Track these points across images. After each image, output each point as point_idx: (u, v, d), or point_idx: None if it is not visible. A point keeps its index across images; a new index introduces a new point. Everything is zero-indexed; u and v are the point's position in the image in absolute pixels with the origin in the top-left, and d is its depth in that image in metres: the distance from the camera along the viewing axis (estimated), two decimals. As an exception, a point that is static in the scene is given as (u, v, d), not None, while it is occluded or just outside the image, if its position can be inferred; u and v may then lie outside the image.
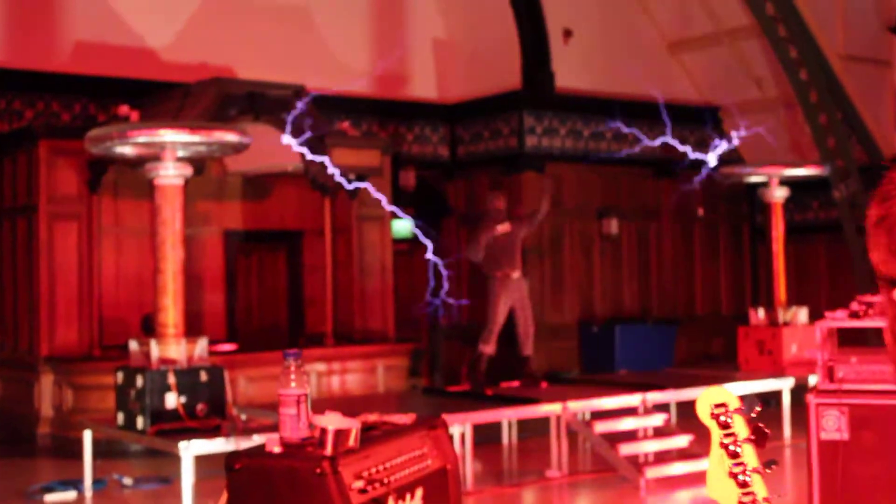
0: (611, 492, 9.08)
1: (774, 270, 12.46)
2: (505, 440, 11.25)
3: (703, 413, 1.97)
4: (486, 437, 10.81)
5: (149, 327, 11.12)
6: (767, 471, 1.94)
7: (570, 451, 9.71)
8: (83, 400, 11.33)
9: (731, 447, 1.94)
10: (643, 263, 16.14)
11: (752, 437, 1.94)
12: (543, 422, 9.96)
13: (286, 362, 3.01)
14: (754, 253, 17.24)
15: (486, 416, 9.40)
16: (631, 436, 9.99)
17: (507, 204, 11.03)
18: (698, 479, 9.26)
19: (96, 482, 9.07)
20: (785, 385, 11.17)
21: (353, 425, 2.89)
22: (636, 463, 9.35)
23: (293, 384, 2.95)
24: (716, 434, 1.96)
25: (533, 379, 10.84)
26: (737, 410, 1.94)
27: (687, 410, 11.65)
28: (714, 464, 1.96)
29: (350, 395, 12.16)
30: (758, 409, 2.09)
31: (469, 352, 14.43)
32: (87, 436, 8.79)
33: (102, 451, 9.57)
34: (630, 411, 10.05)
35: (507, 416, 10.27)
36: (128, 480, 9.44)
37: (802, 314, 12.24)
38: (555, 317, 14.98)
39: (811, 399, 3.97)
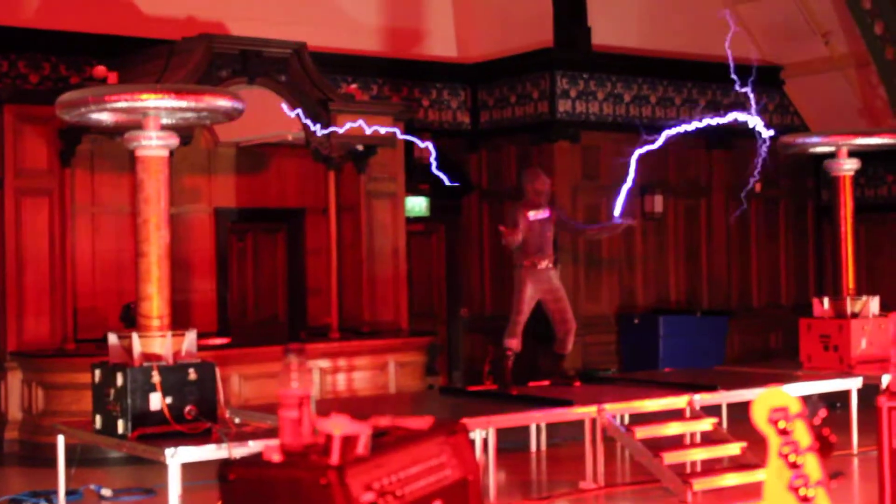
0: (653, 506, 9.12)
1: (842, 254, 12.41)
2: (533, 447, 11.28)
3: (760, 418, 1.98)
4: (511, 443, 10.84)
5: (130, 318, 11.17)
6: (833, 484, 1.95)
7: (607, 460, 9.72)
8: (56, 401, 11.40)
9: (792, 457, 1.95)
10: (692, 246, 16.12)
11: (816, 446, 1.95)
12: (577, 426, 9.98)
13: (287, 359, 3.03)
14: (819, 234, 17.19)
15: (511, 419, 9.41)
16: (676, 442, 10.02)
17: (549, 186, 10.96)
18: (752, 492, 9.26)
19: (71, 493, 9.12)
20: (853, 385, 11.15)
21: (363, 430, 2.91)
22: (682, 473, 9.37)
23: (294, 384, 2.97)
24: (774, 442, 1.97)
25: (565, 378, 10.86)
26: (798, 415, 1.95)
27: (740, 414, 11.65)
28: (772, 476, 1.97)
29: (358, 395, 12.20)
30: (823, 413, 2.11)
31: (492, 348, 14.50)
32: (61, 441, 8.83)
33: (78, 458, 9.61)
34: (675, 414, 10.06)
35: (536, 420, 10.29)
36: (106, 492, 9.50)
37: (874, 304, 12.20)
38: (590, 307, 14.99)
39: (883, 402, 3.97)
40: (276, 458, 2.92)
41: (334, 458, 2.84)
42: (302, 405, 2.97)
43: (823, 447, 1.94)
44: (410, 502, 3.02)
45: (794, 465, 1.93)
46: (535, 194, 10.77)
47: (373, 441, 3.00)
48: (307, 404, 2.99)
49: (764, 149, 12.13)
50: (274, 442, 3.00)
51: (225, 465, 3.02)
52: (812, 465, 1.94)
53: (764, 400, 1.97)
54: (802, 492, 1.94)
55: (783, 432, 1.94)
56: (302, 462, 2.89)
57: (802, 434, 1.95)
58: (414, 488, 3.07)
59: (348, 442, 2.88)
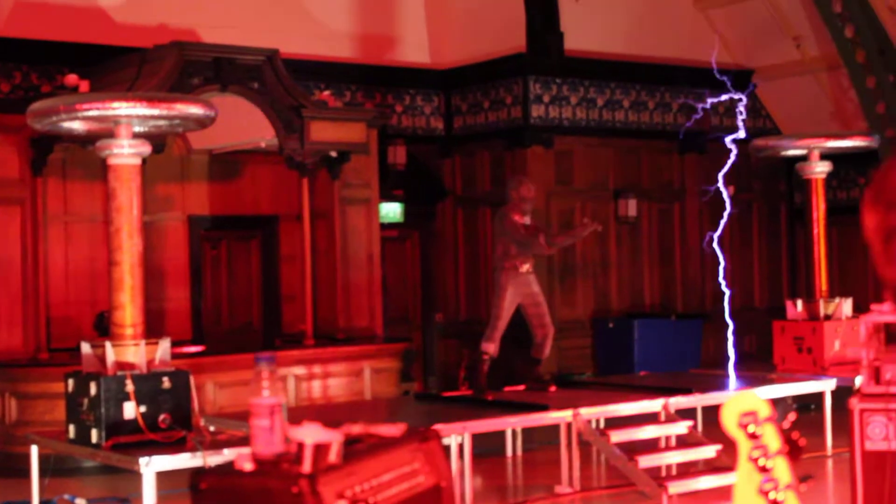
0: (630, 510, 9.13)
1: (815, 257, 12.48)
2: (509, 452, 11.30)
3: (730, 422, 1.99)
4: (487, 448, 10.85)
5: (103, 327, 11.14)
6: (802, 487, 1.96)
7: (583, 464, 9.75)
8: (29, 410, 11.34)
9: (762, 461, 1.96)
10: (665, 250, 16.16)
11: (786, 450, 1.95)
12: (552, 431, 10.00)
13: (258, 367, 3.03)
14: (792, 237, 17.27)
15: (487, 424, 9.42)
16: (651, 446, 10.05)
17: (534, 192, 10.94)
18: (727, 494, 9.27)
19: (44, 503, 9.08)
20: (826, 387, 11.21)
21: (335, 438, 2.91)
22: (657, 477, 9.39)
23: (266, 392, 2.97)
24: (744, 446, 1.98)
25: (541, 382, 10.87)
26: (768, 419, 1.95)
27: (714, 417, 11.67)
28: (742, 480, 1.98)
29: (333, 402, 12.18)
30: (792, 417, 2.11)
31: (468, 352, 14.49)
32: (34, 451, 8.79)
33: (51, 468, 9.57)
34: (650, 418, 10.09)
35: (512, 425, 10.31)
36: (80, 501, 9.47)
37: (846, 307, 12.27)
38: (565, 311, 15.01)
39: (855, 404, 3.98)
40: (248, 466, 2.92)
41: (306, 467, 2.84)
42: (274, 414, 2.97)
43: (793, 450, 1.95)
44: (383, 510, 3.02)
45: (763, 469, 1.94)
46: (520, 200, 10.74)
47: (345, 449, 3.00)
48: (279, 412, 2.99)
49: (735, 152, 12.18)
50: (246, 450, 2.99)
51: (196, 473, 3.01)
52: (782, 469, 1.95)
53: (734, 404, 1.98)
54: (772, 495, 1.94)
55: (753, 436, 1.95)
56: (273, 471, 2.88)
57: (772, 438, 1.95)
58: (387, 495, 3.07)
59: (320, 450, 2.88)
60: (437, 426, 8.07)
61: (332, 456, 2.87)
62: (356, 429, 3.13)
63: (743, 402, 1.97)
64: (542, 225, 11.73)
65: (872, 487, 4.18)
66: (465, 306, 15.67)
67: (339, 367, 12.52)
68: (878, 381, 4.40)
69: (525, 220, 10.64)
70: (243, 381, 11.65)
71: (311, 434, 2.85)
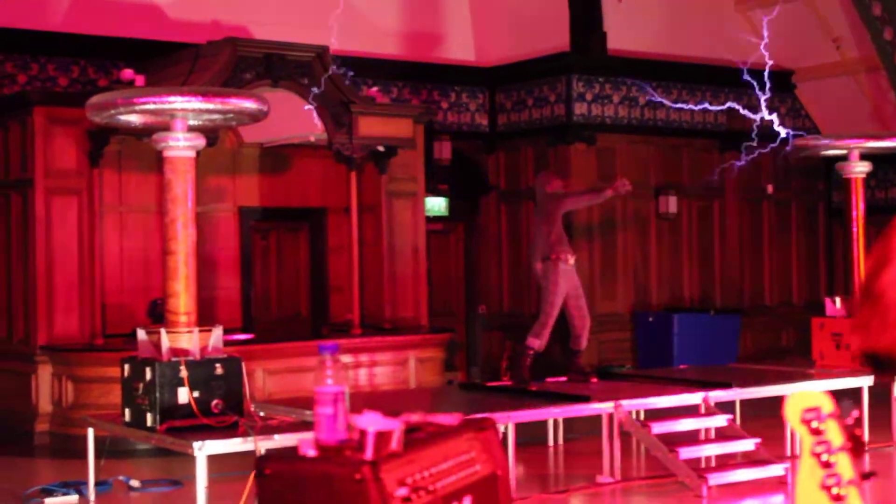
0: (669, 499, 9.08)
1: (854, 255, 12.37)
2: (550, 441, 11.26)
3: (793, 417, 1.96)
4: (529, 437, 10.83)
5: (156, 314, 11.21)
6: (865, 484, 1.93)
7: (623, 455, 9.71)
8: (85, 394, 11.43)
9: (824, 456, 1.93)
10: (705, 246, 16.08)
11: (848, 446, 1.93)
12: (593, 422, 9.97)
13: (322, 356, 3.02)
14: (830, 235, 17.14)
15: (530, 414, 9.40)
16: (691, 438, 10.00)
17: (563, 186, 10.98)
18: (765, 486, 9.27)
19: (100, 484, 9.13)
20: (864, 383, 11.10)
21: (396, 427, 2.91)
22: (697, 468, 9.35)
23: (330, 380, 2.97)
24: (807, 441, 1.95)
25: (582, 374, 10.83)
26: (831, 415, 1.93)
27: (753, 410, 11.68)
28: (804, 475, 1.95)
29: (379, 390, 12.20)
30: (855, 413, 2.09)
31: (510, 344, 14.48)
32: (91, 434, 8.85)
33: (106, 450, 9.63)
34: (689, 411, 10.04)
35: (555, 415, 10.28)
36: (135, 482, 9.52)
37: (885, 304, 12.14)
38: (606, 305, 14.97)
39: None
40: (312, 453, 2.92)
41: (368, 454, 2.84)
42: (337, 402, 2.96)
43: (855, 447, 1.93)
44: (442, 497, 3.01)
45: (826, 465, 1.91)
46: (553, 195, 10.75)
47: (405, 437, 2.99)
48: (342, 400, 2.98)
49: (776, 151, 12.08)
50: (308, 436, 2.99)
51: (261, 459, 3.01)
52: (844, 465, 1.92)
53: (797, 400, 1.96)
54: (835, 490, 1.92)
55: (816, 432, 1.92)
56: (337, 457, 2.88)
57: (835, 434, 1.93)
58: (445, 483, 3.06)
59: (382, 438, 2.88)
60: (477, 415, 8.06)
61: (394, 444, 2.87)
62: (414, 417, 3.12)
63: (806, 399, 1.95)
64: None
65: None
66: (508, 299, 15.66)
67: (385, 357, 12.54)
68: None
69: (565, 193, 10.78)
70: (292, 368, 11.73)
71: (372, 422, 2.84)
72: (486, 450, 3.24)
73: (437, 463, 3.03)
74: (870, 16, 14.16)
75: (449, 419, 3.21)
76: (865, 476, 1.95)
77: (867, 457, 10.52)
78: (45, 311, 11.85)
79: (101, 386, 11.13)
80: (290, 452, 2.97)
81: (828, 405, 1.96)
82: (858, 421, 1.97)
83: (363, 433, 2.85)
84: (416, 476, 2.92)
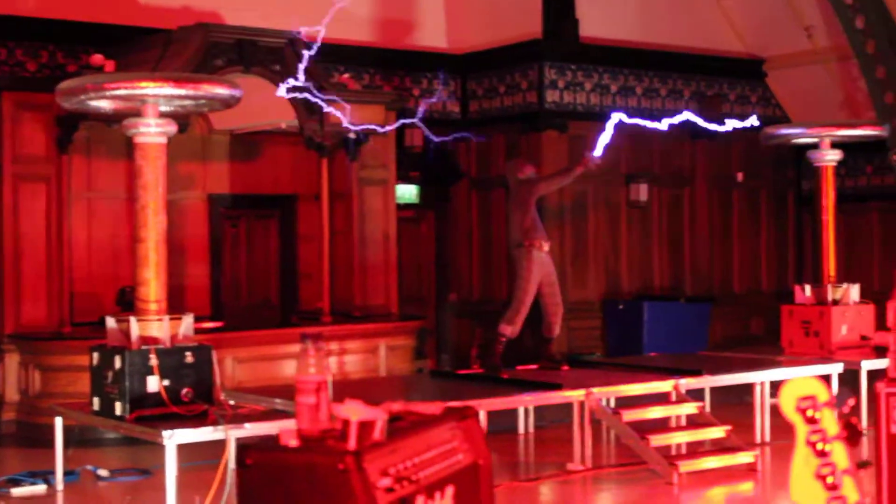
0: (640, 487, 9.09)
1: (824, 243, 12.41)
2: (521, 429, 11.26)
3: (788, 406, 1.93)
4: (500, 425, 10.81)
5: (125, 302, 11.12)
6: (860, 473, 1.91)
7: (594, 442, 9.71)
8: (52, 383, 11.33)
9: (819, 445, 1.91)
10: (675, 234, 16.10)
11: (844, 435, 1.91)
12: (563, 409, 9.97)
13: (304, 345, 2.98)
14: (799, 223, 17.20)
15: (502, 402, 9.40)
16: (662, 426, 10.02)
17: (534, 171, 10.97)
18: (735, 473, 9.29)
19: (68, 474, 9.06)
20: (834, 371, 11.15)
21: (379, 416, 2.87)
22: (668, 455, 9.37)
23: (312, 369, 2.92)
24: (801, 430, 1.93)
25: (554, 362, 10.82)
26: (826, 404, 1.90)
27: (723, 397, 11.71)
28: (799, 463, 1.93)
29: (349, 378, 12.15)
30: (851, 402, 2.06)
31: (480, 331, 14.44)
32: (59, 423, 8.77)
33: (74, 439, 9.57)
34: (659, 398, 10.06)
35: (526, 403, 10.28)
36: (103, 472, 9.45)
37: (854, 292, 12.21)
38: (576, 293, 14.96)
39: (881, 388, 3.92)
40: (294, 443, 2.87)
41: (351, 444, 2.79)
42: (320, 391, 2.92)
43: (851, 436, 1.90)
44: (425, 487, 2.98)
45: (821, 454, 1.88)
46: (527, 181, 10.73)
47: (388, 426, 2.95)
48: (324, 390, 2.94)
49: (746, 139, 12.08)
50: (286, 423, 2.95)
51: (242, 449, 2.97)
52: (839, 454, 1.89)
53: (792, 388, 1.93)
54: (830, 480, 1.89)
55: (811, 420, 1.90)
56: (319, 447, 2.84)
57: (830, 422, 1.90)
58: (428, 473, 3.02)
59: (365, 427, 2.84)
60: (451, 403, 8.05)
61: (377, 433, 2.83)
62: (396, 406, 3.09)
63: (802, 387, 1.92)
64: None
65: (897, 471, 4.13)
66: (479, 286, 15.63)
67: (355, 344, 12.50)
68: (905, 365, 4.36)
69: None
70: (262, 356, 11.69)
71: (355, 412, 2.80)
72: (468, 439, 3.21)
73: (420, 452, 2.99)
74: (841, 4, 14.15)
75: (431, 408, 3.18)
76: (861, 465, 1.92)
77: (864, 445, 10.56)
78: (12, 299, 11.73)
79: (69, 374, 11.04)
80: (272, 442, 2.93)
81: (823, 393, 1.93)
82: (855, 409, 1.94)
83: (346, 423, 2.81)
84: (399, 466, 2.88)
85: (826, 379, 11.14)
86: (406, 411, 3.15)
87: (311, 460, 2.79)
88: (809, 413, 1.90)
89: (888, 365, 3.84)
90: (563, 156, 14.94)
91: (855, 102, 15.76)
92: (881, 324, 11.90)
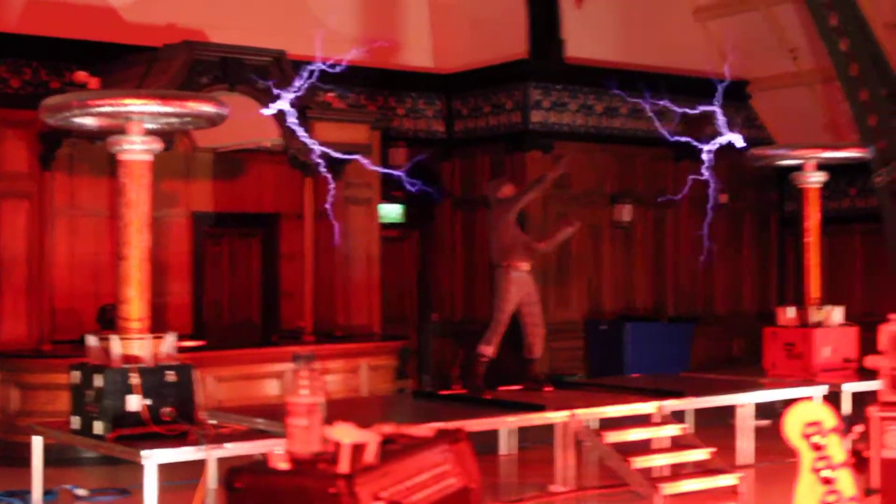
0: (624, 509, 9.06)
1: (807, 264, 12.40)
2: (503, 450, 11.20)
3: (793, 432, 1.90)
4: (481, 446, 10.72)
5: (106, 320, 11.04)
6: (867, 501, 1.87)
7: (576, 464, 9.66)
8: (31, 401, 11.23)
9: (825, 472, 1.87)
10: (658, 255, 16.11)
11: (851, 462, 1.87)
12: (544, 430, 9.92)
13: (297, 365, 2.93)
14: (782, 245, 17.23)
15: (485, 423, 9.32)
16: (644, 447, 9.97)
17: (515, 191, 10.90)
18: (718, 496, 9.25)
19: (46, 493, 8.96)
20: (817, 393, 11.13)
21: (371, 439, 2.82)
22: (650, 478, 9.32)
23: (305, 391, 2.87)
24: (807, 457, 1.89)
25: (537, 382, 10.76)
26: (833, 430, 1.87)
27: (705, 419, 11.67)
28: (804, 491, 1.89)
29: (330, 398, 12.01)
30: (859, 429, 2.02)
31: (462, 351, 14.40)
32: (37, 442, 8.67)
33: (53, 458, 9.47)
34: (642, 420, 10.02)
35: (509, 425, 10.22)
36: (82, 492, 9.37)
37: (837, 314, 12.21)
38: (559, 313, 14.93)
39: (873, 412, 3.90)
40: (284, 465, 2.82)
41: (343, 467, 2.75)
42: (312, 413, 2.87)
43: (858, 462, 1.86)
44: (416, 511, 2.93)
45: (827, 481, 1.85)
46: (506, 201, 10.67)
47: (380, 449, 2.90)
48: (317, 412, 2.89)
49: (730, 161, 12.07)
50: (263, 444, 2.90)
51: (232, 472, 2.91)
52: (846, 481, 1.85)
53: (798, 414, 1.89)
54: (835, 508, 1.85)
55: (817, 447, 1.86)
56: (310, 470, 2.79)
57: (836, 449, 1.86)
58: (420, 497, 2.98)
59: (357, 450, 2.79)
60: (436, 424, 7.99)
61: (369, 456, 2.78)
62: (388, 428, 3.04)
63: (808, 413, 1.88)
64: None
65: (890, 495, 4.09)
66: (461, 306, 15.60)
67: (337, 364, 12.41)
68: (896, 389, 4.33)
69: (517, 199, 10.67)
70: (243, 375, 11.65)
71: (347, 434, 2.75)
72: (460, 462, 3.17)
73: (412, 476, 2.95)
74: (826, 27, 14.19)
75: (422, 431, 3.13)
76: (868, 493, 1.88)
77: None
78: (-8, 316, 11.65)
79: (49, 393, 10.96)
80: (262, 465, 2.87)
81: (830, 419, 1.89)
82: (863, 436, 1.90)
83: (338, 445, 2.76)
84: (390, 490, 2.84)
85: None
86: (397, 433, 3.11)
87: (302, 484, 2.74)
88: (815, 439, 1.86)
89: (881, 388, 3.81)
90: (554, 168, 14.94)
91: (838, 125, 15.81)
92: (865, 346, 11.97)
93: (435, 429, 3.19)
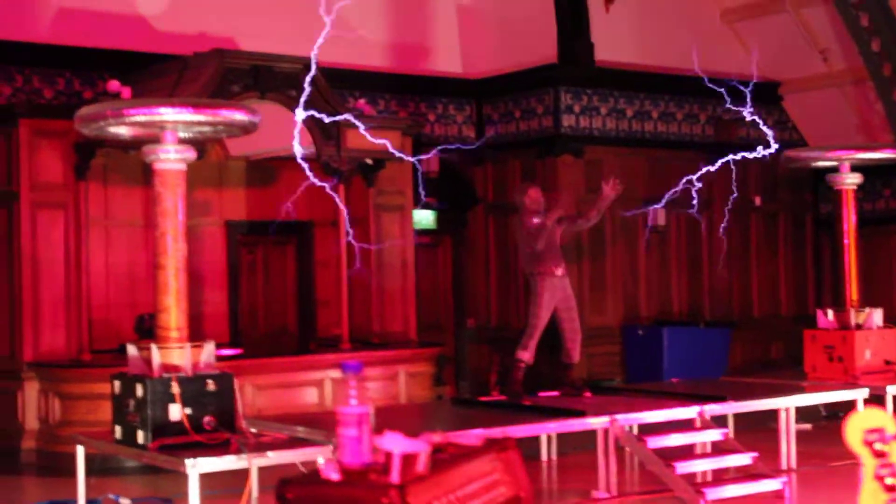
0: (667, 515, 9.01)
1: (845, 266, 12.30)
2: (544, 456, 11.16)
3: (854, 439, 1.87)
4: (522, 452, 10.71)
5: (143, 330, 11.07)
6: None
7: (618, 469, 9.61)
8: (72, 411, 11.28)
9: (889, 479, 1.84)
10: (694, 259, 16.03)
11: (915, 468, 1.84)
12: (584, 436, 9.86)
13: (345, 375, 2.92)
14: (818, 247, 17.12)
15: (526, 429, 9.26)
16: (687, 452, 9.90)
17: (542, 194, 10.80)
18: (762, 501, 9.18)
19: (90, 502, 8.98)
20: (859, 396, 11.04)
21: (422, 448, 2.80)
22: (694, 483, 9.25)
23: (353, 401, 2.87)
24: (869, 464, 1.86)
25: (575, 388, 10.71)
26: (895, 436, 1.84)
27: (746, 423, 11.59)
28: (867, 499, 1.86)
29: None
30: (923, 435, 2.00)
31: (499, 357, 14.38)
32: (80, 451, 8.70)
33: (96, 467, 9.49)
34: (683, 425, 9.95)
35: (550, 430, 10.15)
36: (125, 501, 9.37)
37: (877, 316, 12.10)
38: (595, 318, 14.88)
39: (924, 416, 3.87)
40: (335, 476, 2.81)
41: (395, 477, 2.73)
42: (362, 423, 2.86)
43: (921, 469, 1.84)
44: (468, 521, 2.92)
45: (891, 489, 1.82)
46: (533, 203, 10.58)
47: (430, 459, 2.89)
48: (366, 422, 2.88)
49: (764, 163, 12.02)
50: (304, 452, 2.89)
51: (283, 483, 2.91)
52: (910, 488, 1.83)
53: (858, 420, 1.86)
54: (900, 515, 1.83)
55: (879, 454, 1.83)
56: (361, 481, 2.78)
57: (900, 455, 1.84)
58: (471, 507, 2.96)
59: (408, 460, 2.77)
60: (479, 432, 7.97)
61: (420, 466, 2.77)
62: (437, 437, 3.02)
63: (868, 419, 1.85)
64: (561, 204, 11.47)
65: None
66: (496, 312, 15.57)
67: (375, 372, 12.39)
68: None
69: (543, 219, 10.46)
70: (281, 383, 11.65)
71: (397, 444, 2.74)
72: (509, 471, 3.15)
73: (463, 485, 2.93)
74: (857, 27, 14.14)
75: (471, 439, 3.11)
76: (934, 500, 1.85)
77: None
78: (30, 327, 11.70)
79: (89, 402, 10.99)
80: (313, 476, 2.86)
81: (891, 426, 1.87)
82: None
83: (388, 455, 2.75)
84: (442, 499, 2.82)
85: (851, 404, 11.07)
86: (446, 443, 3.09)
87: (353, 494, 2.73)
88: (878, 446, 1.84)
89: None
90: (580, 181, 14.92)
91: (870, 125, 15.71)
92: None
93: (483, 437, 3.17)
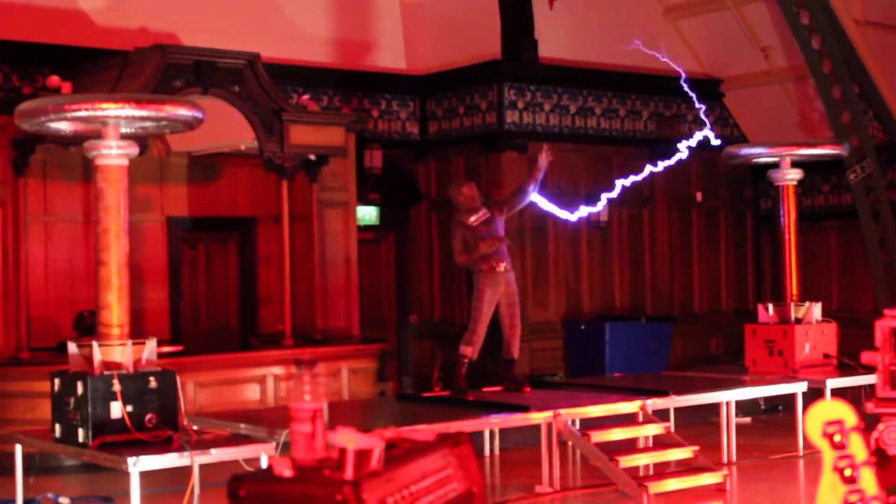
0: (610, 509, 9.05)
1: (786, 261, 12.44)
2: (486, 451, 11.17)
3: (813, 431, 1.87)
4: (470, 448, 10.70)
5: (83, 327, 10.95)
6: (891, 500, 1.85)
7: (560, 464, 9.65)
8: (9, 409, 11.11)
9: (847, 471, 1.85)
10: (636, 254, 16.11)
11: (873, 460, 1.85)
12: (526, 431, 9.89)
13: (298, 371, 2.89)
14: (758, 243, 17.27)
15: (470, 424, 9.26)
16: (628, 446, 9.96)
17: (477, 189, 10.81)
18: (704, 494, 9.25)
19: (28, 502, 8.89)
20: (798, 389, 11.18)
21: (376, 444, 2.78)
22: (637, 477, 9.31)
23: (307, 396, 2.83)
24: (828, 456, 1.86)
25: (516, 383, 10.74)
26: (854, 428, 1.85)
27: (686, 417, 11.68)
28: (825, 490, 1.87)
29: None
30: (881, 426, 2.00)
31: (441, 353, 14.37)
32: (18, 450, 8.59)
33: (34, 467, 9.37)
34: (623, 419, 10.02)
35: (494, 425, 10.20)
36: (64, 500, 9.28)
37: (816, 310, 12.24)
38: (538, 314, 14.92)
39: (871, 408, 3.89)
40: (288, 473, 2.78)
41: (349, 473, 2.71)
42: (315, 419, 2.83)
43: (881, 461, 1.84)
44: (422, 517, 2.90)
45: (849, 480, 1.82)
46: (468, 201, 10.63)
47: (384, 454, 2.87)
48: (320, 418, 2.85)
49: (704, 159, 12.10)
50: (247, 449, 2.86)
51: (235, 480, 2.87)
52: (868, 480, 1.83)
53: (818, 412, 1.86)
54: (858, 507, 1.83)
55: (838, 446, 1.83)
56: (315, 477, 2.75)
57: (858, 447, 1.84)
58: (425, 502, 2.94)
59: (361, 456, 2.75)
60: (421, 426, 7.96)
61: (374, 462, 2.75)
62: (389, 433, 3.00)
63: (828, 411, 1.86)
64: (504, 196, 11.48)
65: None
66: (440, 308, 15.56)
67: (317, 368, 12.31)
68: (893, 385, 4.32)
69: (481, 216, 10.53)
70: (223, 380, 11.57)
71: (352, 440, 2.72)
72: (462, 466, 3.13)
73: (417, 481, 2.91)
74: (798, 24, 14.29)
75: (424, 435, 3.09)
76: (892, 491, 1.86)
77: (801, 462, 10.58)
78: (-32, 324, 11.53)
79: (27, 401, 10.84)
80: (265, 472, 2.83)
81: (851, 418, 1.87)
82: (889, 433, 1.88)
83: (342, 451, 2.72)
84: (396, 495, 2.80)
85: (791, 398, 11.19)
86: (399, 438, 3.07)
87: (307, 491, 2.70)
88: (837, 438, 1.84)
89: (877, 384, 3.80)
90: (524, 177, 14.90)
91: (811, 122, 15.88)
92: (843, 342, 12.00)
93: (436, 433, 3.15)
